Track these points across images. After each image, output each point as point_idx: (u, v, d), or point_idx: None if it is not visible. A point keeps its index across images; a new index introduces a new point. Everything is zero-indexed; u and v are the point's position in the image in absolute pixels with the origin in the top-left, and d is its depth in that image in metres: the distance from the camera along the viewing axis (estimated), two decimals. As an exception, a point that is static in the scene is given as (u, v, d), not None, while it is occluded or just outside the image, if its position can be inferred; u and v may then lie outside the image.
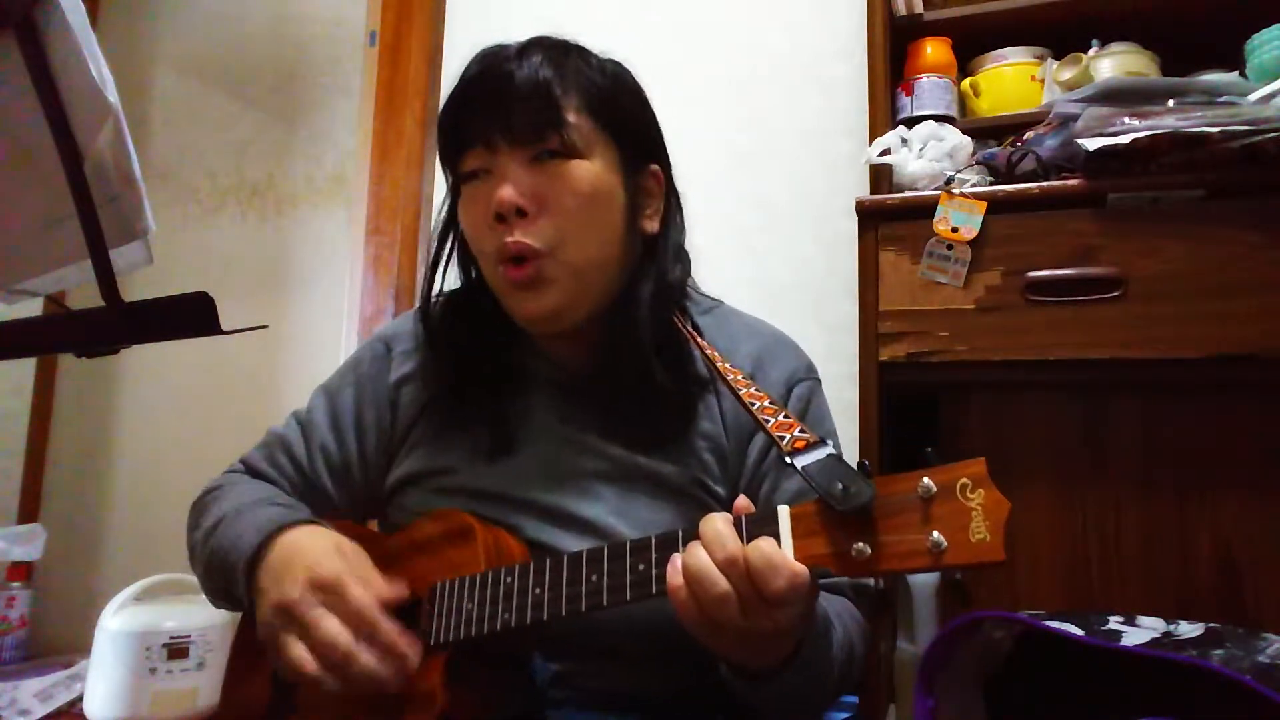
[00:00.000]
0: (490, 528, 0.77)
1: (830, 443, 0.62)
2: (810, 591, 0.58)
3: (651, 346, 0.81)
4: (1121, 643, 0.69)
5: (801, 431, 0.64)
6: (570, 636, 0.75)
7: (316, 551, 0.72)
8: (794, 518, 0.58)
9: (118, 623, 1.51)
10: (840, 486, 0.56)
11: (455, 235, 0.89)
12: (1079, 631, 0.70)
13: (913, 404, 1.10)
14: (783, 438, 0.65)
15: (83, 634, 1.65)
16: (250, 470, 0.94)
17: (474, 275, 0.90)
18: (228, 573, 0.78)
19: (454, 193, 0.86)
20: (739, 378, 0.76)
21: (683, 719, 0.80)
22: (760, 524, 0.59)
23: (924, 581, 1.12)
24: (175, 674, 1.50)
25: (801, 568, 0.56)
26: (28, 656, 1.88)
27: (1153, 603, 0.93)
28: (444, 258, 0.90)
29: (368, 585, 0.70)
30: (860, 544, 0.55)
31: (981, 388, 1.03)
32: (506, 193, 0.77)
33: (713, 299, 0.95)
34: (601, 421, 0.84)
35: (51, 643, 1.95)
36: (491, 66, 0.81)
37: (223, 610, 0.89)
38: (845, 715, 0.98)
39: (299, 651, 0.68)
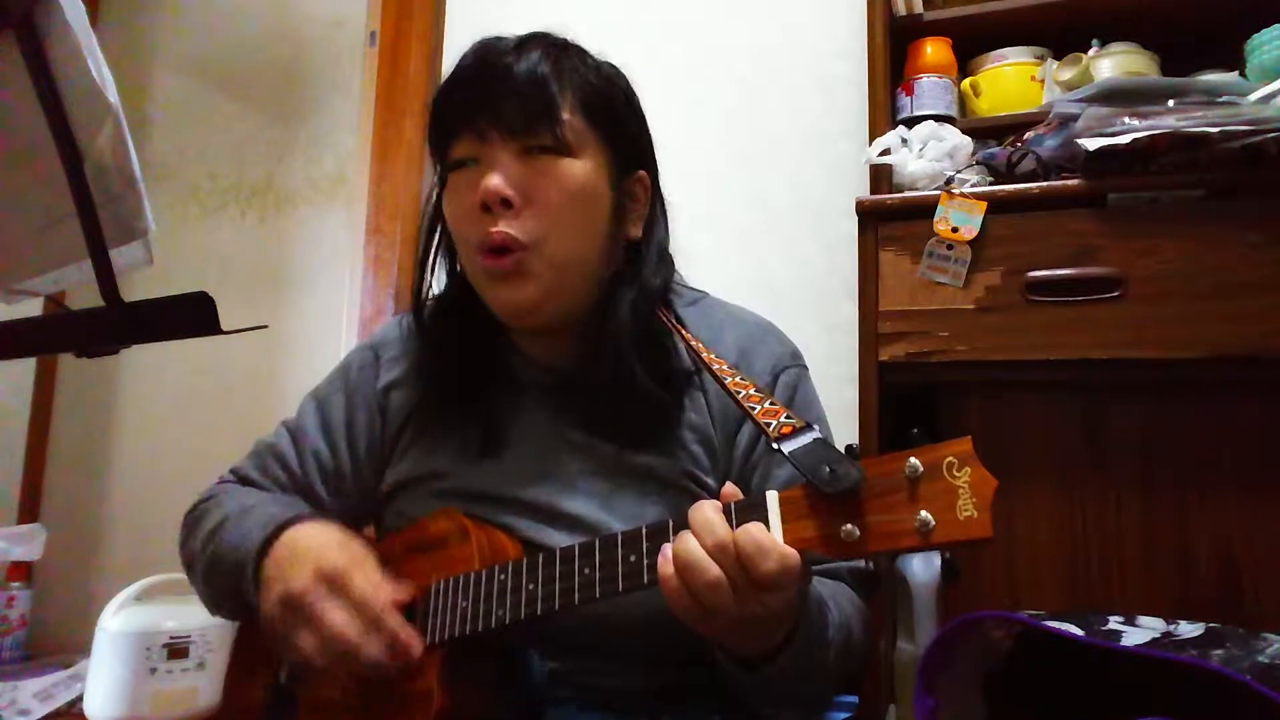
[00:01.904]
0: (485, 528, 0.77)
1: (817, 428, 0.62)
2: (801, 574, 0.58)
3: (632, 349, 0.81)
4: (1121, 643, 0.69)
5: (788, 418, 0.65)
6: (567, 634, 0.75)
7: (322, 544, 0.73)
8: (782, 502, 0.59)
9: (118, 623, 1.51)
10: (827, 470, 0.57)
11: (442, 226, 0.88)
12: (1079, 631, 0.70)
13: (913, 404, 1.10)
14: (769, 424, 0.65)
15: (83, 634, 1.64)
16: (241, 479, 0.93)
17: (459, 268, 0.89)
18: (234, 571, 0.78)
19: (441, 181, 0.86)
20: (724, 367, 0.76)
21: (682, 716, 0.80)
22: (749, 510, 0.59)
23: (924, 582, 1.12)
24: (175, 674, 1.50)
25: (791, 550, 0.57)
26: (28, 656, 1.88)
27: (1153, 603, 0.93)
28: (433, 249, 0.90)
29: (372, 577, 0.71)
30: (849, 525, 0.55)
31: (981, 388, 1.03)
32: (494, 182, 0.77)
33: (698, 290, 0.95)
34: (588, 419, 0.84)
35: (51, 643, 1.94)
36: (489, 57, 0.80)
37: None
38: (845, 715, 0.98)
39: (308, 643, 0.68)
